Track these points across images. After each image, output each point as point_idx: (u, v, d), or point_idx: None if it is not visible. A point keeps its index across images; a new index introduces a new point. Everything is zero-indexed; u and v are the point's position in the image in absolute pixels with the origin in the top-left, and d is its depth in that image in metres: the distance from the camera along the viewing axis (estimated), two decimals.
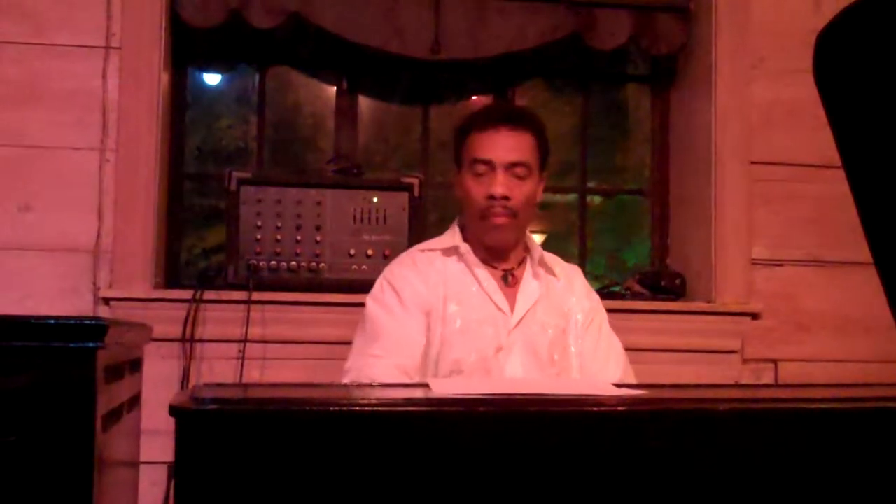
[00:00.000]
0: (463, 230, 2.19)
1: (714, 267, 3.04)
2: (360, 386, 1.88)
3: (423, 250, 2.18)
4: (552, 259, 2.24)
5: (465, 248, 2.14)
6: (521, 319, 2.10)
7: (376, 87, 3.30)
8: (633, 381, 2.17)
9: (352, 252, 2.80)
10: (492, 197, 2.05)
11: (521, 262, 2.19)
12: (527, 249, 2.21)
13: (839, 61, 0.80)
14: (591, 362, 2.15)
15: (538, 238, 3.37)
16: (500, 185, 2.05)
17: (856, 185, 0.82)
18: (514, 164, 2.07)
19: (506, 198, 2.05)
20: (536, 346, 2.09)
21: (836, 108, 0.82)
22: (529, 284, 2.15)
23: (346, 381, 2.01)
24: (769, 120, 3.10)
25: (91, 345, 1.18)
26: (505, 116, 2.12)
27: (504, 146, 2.07)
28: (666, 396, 1.46)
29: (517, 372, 2.06)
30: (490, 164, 2.06)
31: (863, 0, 0.74)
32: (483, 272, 2.13)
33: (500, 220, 2.08)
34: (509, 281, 2.15)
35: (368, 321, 2.09)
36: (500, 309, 2.09)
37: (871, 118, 0.78)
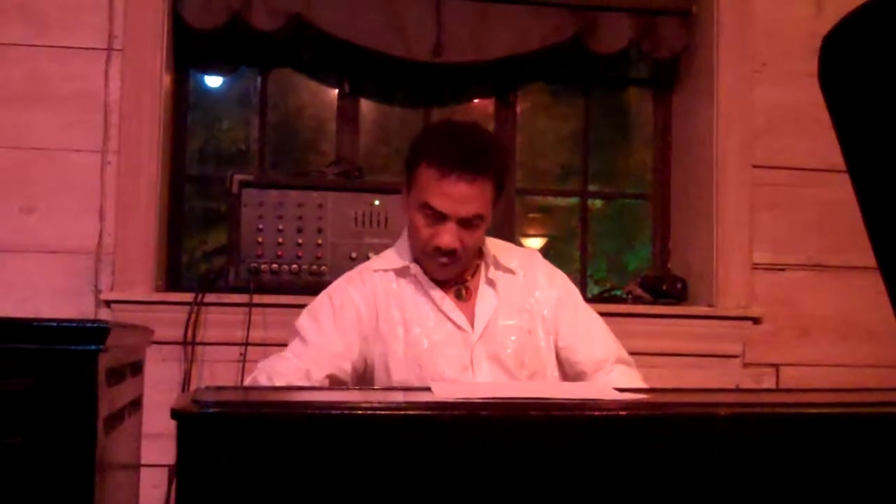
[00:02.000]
0: (412, 244, 2.10)
1: (715, 271, 3.04)
2: (361, 390, 1.88)
3: (375, 270, 2.10)
4: (507, 253, 2.15)
5: (415, 268, 2.06)
6: (482, 334, 2.04)
7: (378, 90, 3.31)
8: (625, 354, 2.14)
9: (353, 255, 2.80)
10: (438, 248, 1.97)
11: (475, 271, 2.11)
12: (480, 255, 2.12)
13: (844, 65, 0.80)
14: (577, 350, 2.10)
15: (538, 242, 3.37)
16: (449, 239, 1.95)
17: (860, 188, 0.82)
18: (468, 219, 1.96)
19: (453, 251, 1.97)
20: (502, 357, 2.03)
21: (841, 112, 0.82)
22: (485, 294, 2.08)
23: (251, 375, 1.97)
24: (771, 124, 3.10)
25: (92, 347, 1.18)
26: (464, 162, 1.93)
27: (460, 201, 1.93)
28: (667, 401, 1.46)
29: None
30: (442, 216, 1.95)
31: (868, 4, 0.74)
32: (437, 292, 2.06)
33: (446, 268, 2.02)
34: (464, 295, 2.08)
35: (295, 330, 2.05)
36: (459, 327, 2.04)
37: (876, 122, 0.78)
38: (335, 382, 1.97)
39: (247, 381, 2.07)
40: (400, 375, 2.01)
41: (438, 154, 1.95)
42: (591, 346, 2.11)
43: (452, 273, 2.07)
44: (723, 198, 3.06)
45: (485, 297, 2.08)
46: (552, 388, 1.76)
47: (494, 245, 2.15)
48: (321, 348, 1.99)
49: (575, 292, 2.19)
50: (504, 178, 2.03)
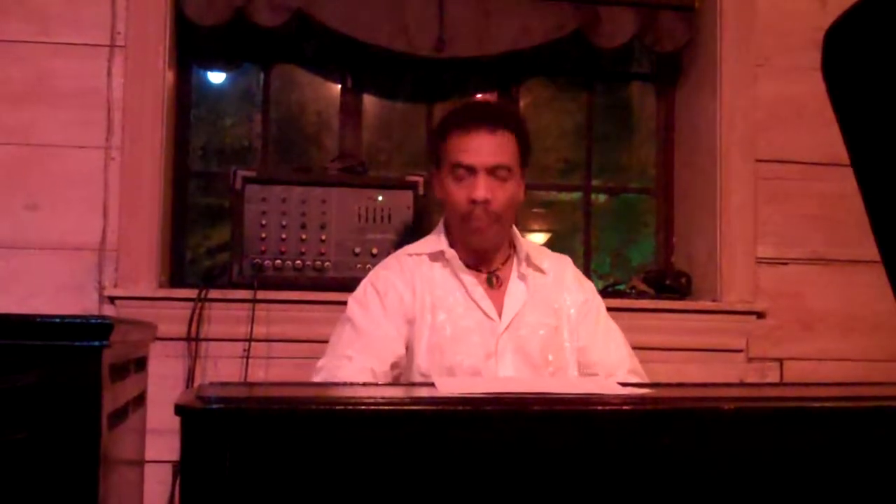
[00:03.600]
0: (448, 231, 2.17)
1: (719, 265, 3.04)
2: (365, 385, 1.88)
3: (410, 254, 2.16)
4: (539, 254, 2.21)
5: (450, 253, 2.12)
6: (508, 324, 2.08)
7: (381, 85, 3.30)
8: (639, 367, 2.17)
9: (357, 250, 2.80)
10: (473, 201, 2.03)
11: (507, 261, 2.17)
12: (512, 247, 2.19)
13: (848, 57, 0.80)
14: (592, 351, 2.14)
15: (542, 237, 3.37)
16: (481, 189, 2.02)
17: (864, 182, 0.82)
18: (495, 168, 2.04)
19: (487, 201, 2.03)
20: (528, 349, 2.07)
21: (844, 105, 0.81)
22: (516, 287, 2.13)
23: (317, 379, 2.01)
24: (774, 118, 3.09)
25: (96, 343, 1.18)
26: (484, 117, 2.08)
27: (485, 149, 2.04)
28: (671, 395, 1.46)
29: (510, 375, 2.05)
30: (471, 169, 2.04)
31: None
32: (469, 277, 2.11)
33: (482, 224, 2.06)
34: (494, 283, 2.13)
35: (347, 320, 2.08)
36: (487, 315, 2.08)
37: (880, 115, 0.77)
38: (395, 368, 2.03)
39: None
40: (422, 360, 2.04)
41: (461, 118, 2.10)
42: (607, 352, 2.15)
43: (490, 240, 2.11)
44: (726, 192, 3.05)
45: (515, 290, 2.13)
46: (555, 383, 1.76)
47: (528, 244, 2.21)
48: (378, 340, 2.03)
49: (600, 301, 2.24)
50: (526, 137, 2.13)
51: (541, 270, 2.17)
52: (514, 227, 2.21)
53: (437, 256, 2.13)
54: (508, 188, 2.06)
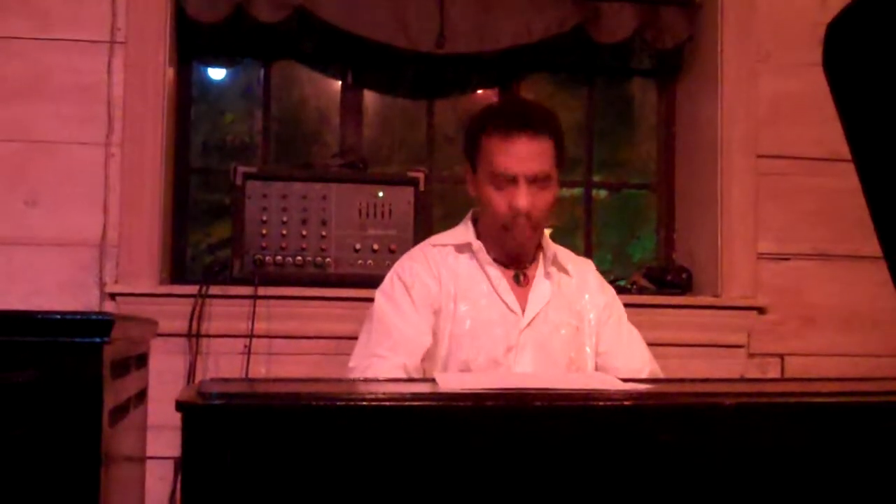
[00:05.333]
0: (476, 223, 2.17)
1: (720, 261, 3.04)
2: (365, 380, 1.88)
3: (435, 245, 2.16)
4: (565, 256, 2.22)
5: (477, 245, 2.11)
6: (532, 320, 2.08)
7: (381, 81, 3.30)
8: (658, 369, 2.18)
9: (357, 247, 2.80)
10: (515, 210, 2.01)
11: (534, 261, 2.17)
12: (540, 247, 2.18)
13: (849, 52, 0.79)
14: (616, 357, 2.14)
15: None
16: (523, 198, 2.00)
17: (865, 177, 0.82)
18: (536, 177, 2.01)
19: (529, 211, 2.02)
20: (549, 347, 2.07)
21: (845, 99, 0.81)
22: (541, 284, 2.13)
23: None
24: (775, 113, 3.09)
25: (97, 340, 1.18)
26: (527, 122, 2.03)
27: (526, 157, 2.00)
28: (672, 391, 1.46)
29: (528, 370, 2.05)
30: (512, 178, 2.01)
31: None
32: (495, 271, 2.10)
33: (523, 233, 2.05)
34: (521, 281, 2.13)
35: (377, 317, 2.07)
36: (511, 309, 2.08)
37: (881, 109, 0.77)
38: (426, 361, 2.03)
39: None
40: (442, 351, 2.04)
41: (499, 120, 2.04)
42: (630, 357, 2.16)
43: (529, 247, 2.11)
44: (727, 188, 3.05)
45: (540, 288, 2.13)
46: (557, 378, 1.76)
47: (555, 245, 2.21)
48: (408, 335, 2.03)
49: (621, 305, 2.25)
50: (563, 144, 2.10)
51: (566, 272, 2.18)
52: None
53: (463, 248, 2.13)
54: (548, 195, 2.05)
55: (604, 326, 2.16)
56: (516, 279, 2.13)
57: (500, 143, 2.01)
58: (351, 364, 2.05)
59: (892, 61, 0.74)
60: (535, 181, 2.01)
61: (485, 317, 2.06)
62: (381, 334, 2.04)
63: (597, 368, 2.14)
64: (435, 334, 2.06)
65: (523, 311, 2.08)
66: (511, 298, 2.08)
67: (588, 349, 2.13)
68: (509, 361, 2.04)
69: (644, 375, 2.11)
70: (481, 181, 2.07)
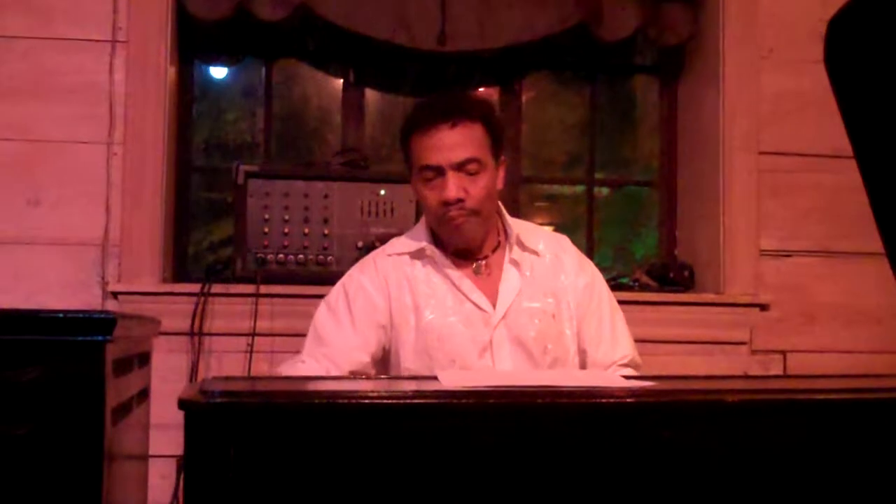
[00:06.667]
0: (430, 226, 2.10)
1: (722, 258, 3.04)
2: (368, 378, 1.88)
3: (390, 254, 2.08)
4: (533, 235, 2.11)
5: (430, 249, 2.04)
6: (504, 315, 2.00)
7: (383, 80, 3.30)
8: (638, 357, 2.11)
9: (359, 244, 2.80)
10: (446, 202, 1.95)
11: (497, 248, 2.08)
12: (503, 233, 2.10)
13: (850, 48, 0.79)
14: (597, 339, 2.06)
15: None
16: (451, 189, 1.94)
17: (867, 173, 0.82)
18: (463, 163, 1.95)
19: (460, 200, 1.95)
20: (524, 340, 1.99)
21: (847, 96, 0.81)
22: (509, 273, 2.04)
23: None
24: (777, 110, 3.09)
25: (100, 338, 1.18)
26: (443, 112, 1.97)
27: (448, 147, 1.94)
28: (675, 388, 1.46)
29: (507, 368, 1.99)
30: (438, 169, 1.95)
31: None
32: (454, 271, 2.03)
33: (460, 222, 1.98)
34: (482, 271, 2.05)
35: (315, 324, 2.05)
36: (479, 307, 2.01)
37: (882, 105, 0.77)
38: (357, 376, 1.96)
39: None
40: (410, 364, 1.99)
41: (420, 117, 2.00)
42: (611, 345, 2.07)
43: (473, 235, 2.03)
44: (729, 185, 3.05)
45: (508, 277, 2.04)
46: (559, 376, 1.75)
47: (519, 225, 2.12)
48: (338, 346, 1.99)
49: (602, 283, 2.15)
50: (495, 124, 2.03)
51: (535, 252, 2.08)
52: (503, 211, 2.12)
53: (418, 254, 2.06)
54: (481, 181, 1.97)
55: (586, 311, 2.07)
56: (476, 271, 2.05)
57: (422, 139, 1.97)
58: (280, 368, 2.05)
59: (892, 58, 0.74)
60: (463, 169, 1.95)
61: (452, 321, 2.00)
62: (314, 341, 2.02)
63: (578, 353, 2.07)
64: (393, 347, 2.02)
65: (494, 305, 2.01)
66: (478, 296, 2.01)
67: (568, 332, 2.04)
68: (485, 362, 1.98)
69: (625, 363, 2.06)
70: (414, 181, 2.03)
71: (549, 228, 2.31)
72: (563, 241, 2.17)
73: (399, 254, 2.08)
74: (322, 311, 2.06)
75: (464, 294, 2.02)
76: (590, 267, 2.16)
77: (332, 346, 1.99)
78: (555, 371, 2.00)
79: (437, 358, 1.97)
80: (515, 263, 2.06)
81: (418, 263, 2.06)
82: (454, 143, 1.95)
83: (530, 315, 2.02)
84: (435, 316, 2.00)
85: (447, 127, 1.95)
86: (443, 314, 2.00)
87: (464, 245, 2.05)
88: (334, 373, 1.95)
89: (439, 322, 2.00)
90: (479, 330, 2.00)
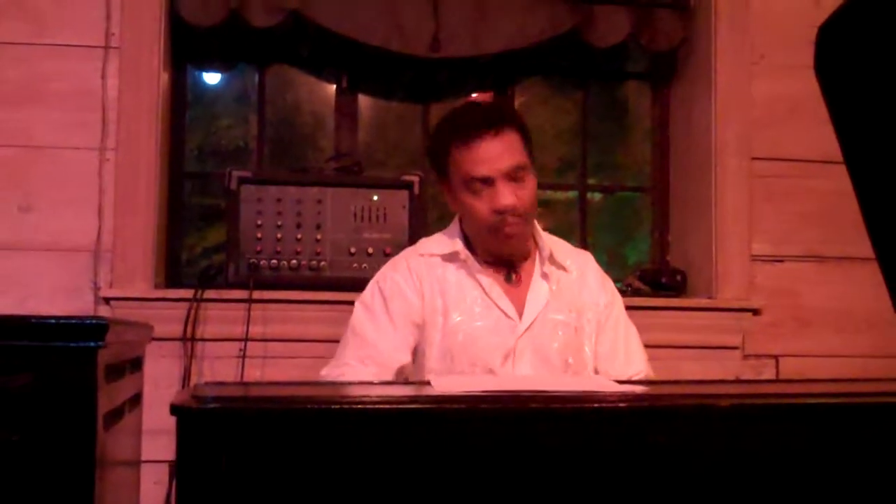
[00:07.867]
0: (463, 230, 2.10)
1: (715, 263, 3.04)
2: (361, 384, 1.88)
3: (423, 254, 2.09)
4: (562, 251, 2.15)
5: (465, 254, 2.05)
6: (530, 325, 2.02)
7: (376, 86, 3.30)
8: (651, 373, 2.14)
9: (352, 250, 2.80)
10: (500, 211, 1.96)
11: (528, 258, 2.11)
12: (534, 243, 2.12)
13: (841, 55, 0.80)
14: (612, 356, 2.09)
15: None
16: (506, 196, 1.94)
17: (857, 179, 0.82)
18: (512, 170, 1.96)
19: (515, 207, 1.96)
20: (547, 351, 2.01)
21: (837, 103, 0.82)
22: (538, 285, 2.07)
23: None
24: (770, 116, 3.10)
25: (92, 344, 1.18)
26: (485, 122, 1.97)
27: (496, 157, 1.95)
28: (667, 392, 1.46)
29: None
30: (487, 180, 1.95)
31: None
32: (486, 278, 2.04)
33: (516, 229, 1.99)
34: (513, 280, 2.07)
35: (354, 327, 2.04)
36: (506, 315, 2.02)
37: (873, 112, 0.78)
38: (399, 376, 1.99)
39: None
40: (434, 365, 2.00)
41: (459, 128, 2.00)
42: (626, 362, 2.10)
43: (523, 243, 2.06)
44: (721, 190, 3.06)
45: (538, 289, 2.06)
46: (552, 380, 1.75)
47: (550, 240, 2.15)
48: (381, 348, 1.99)
49: (621, 302, 2.19)
50: (528, 134, 2.05)
51: (563, 268, 2.11)
52: (534, 221, 2.13)
53: (451, 257, 2.07)
54: (528, 185, 1.99)
55: (603, 328, 2.10)
56: (508, 279, 2.07)
57: (466, 152, 1.96)
58: (323, 372, 2.03)
59: (883, 65, 0.75)
60: (512, 176, 1.96)
61: (479, 325, 2.01)
62: (356, 345, 2.01)
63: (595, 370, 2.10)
64: (421, 347, 2.02)
65: (520, 315, 2.02)
66: (506, 303, 2.03)
67: (587, 349, 2.07)
68: (507, 369, 1.98)
69: (639, 378, 2.08)
70: (458, 192, 2.02)
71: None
72: (588, 258, 2.22)
73: (431, 255, 2.09)
74: (359, 313, 2.06)
75: (492, 300, 2.03)
76: (610, 286, 2.20)
77: (375, 348, 1.99)
78: (547, 375, 2.01)
79: (460, 360, 1.98)
80: (546, 277, 2.09)
81: (451, 266, 2.07)
82: (500, 151, 1.96)
83: (555, 327, 2.04)
84: (462, 319, 2.01)
85: (491, 136, 1.96)
86: (470, 318, 2.01)
87: (511, 252, 2.07)
88: (382, 374, 1.95)
89: (466, 325, 2.01)
90: (505, 337, 2.01)
